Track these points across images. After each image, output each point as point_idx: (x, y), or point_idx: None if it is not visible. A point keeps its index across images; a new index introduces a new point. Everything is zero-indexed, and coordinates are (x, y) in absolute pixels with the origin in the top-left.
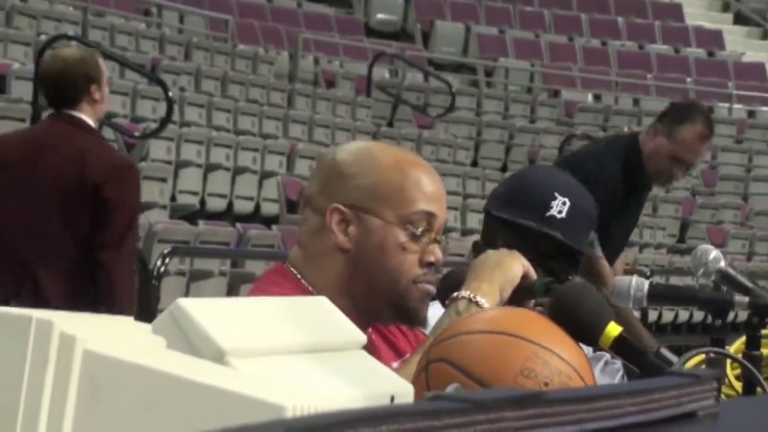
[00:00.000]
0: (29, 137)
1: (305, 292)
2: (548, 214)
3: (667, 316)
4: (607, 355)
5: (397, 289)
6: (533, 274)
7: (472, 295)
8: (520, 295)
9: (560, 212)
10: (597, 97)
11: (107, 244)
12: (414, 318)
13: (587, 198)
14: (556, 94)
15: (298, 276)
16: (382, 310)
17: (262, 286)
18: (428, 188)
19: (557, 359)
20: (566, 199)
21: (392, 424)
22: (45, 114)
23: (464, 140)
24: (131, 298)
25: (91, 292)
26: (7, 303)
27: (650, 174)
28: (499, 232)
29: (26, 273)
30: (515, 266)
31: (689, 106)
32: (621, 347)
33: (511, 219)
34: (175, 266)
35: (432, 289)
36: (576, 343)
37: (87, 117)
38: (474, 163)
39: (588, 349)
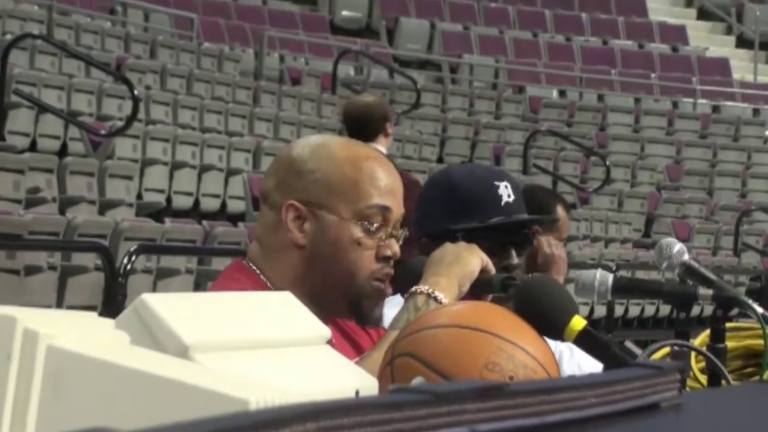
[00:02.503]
0: None
1: (264, 287)
2: (504, 202)
3: (634, 310)
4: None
5: (353, 284)
6: (491, 268)
7: (430, 290)
8: (478, 290)
9: (509, 195)
10: (562, 93)
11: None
12: (367, 316)
13: (503, 171)
14: (520, 90)
15: (257, 272)
16: (338, 305)
17: (223, 283)
18: (383, 182)
19: (522, 353)
20: (506, 183)
21: (354, 416)
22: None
23: (430, 136)
24: None
25: None
26: None
27: None
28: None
29: None
30: (473, 260)
31: None
32: (585, 340)
33: (478, 225)
34: (142, 264)
35: (387, 289)
36: (541, 336)
37: (382, 147)
38: (440, 160)
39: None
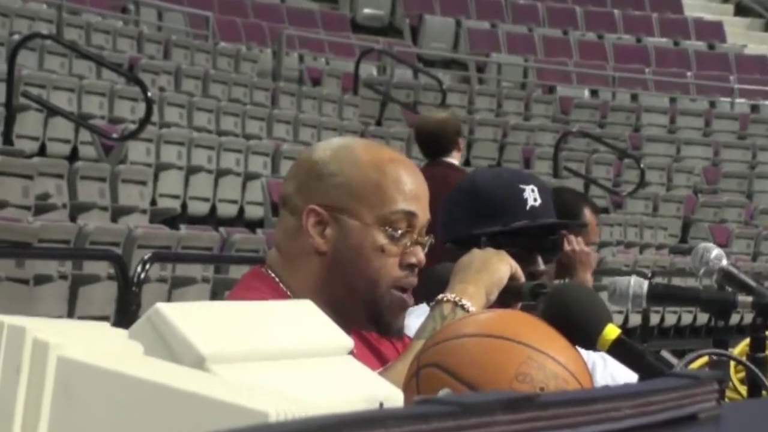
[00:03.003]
0: None
1: (283, 296)
2: (529, 206)
3: (670, 318)
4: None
5: (375, 293)
6: (521, 275)
7: (457, 298)
8: (506, 297)
9: (536, 199)
10: (594, 93)
11: None
12: (387, 328)
13: (531, 175)
14: (551, 90)
15: (276, 279)
16: (358, 315)
17: (240, 291)
18: (408, 186)
19: (553, 363)
20: (532, 186)
21: (378, 428)
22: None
23: None
24: None
25: None
26: None
27: None
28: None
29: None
30: (502, 267)
31: None
32: (619, 350)
33: (501, 229)
34: (156, 273)
35: (409, 300)
36: (572, 345)
37: (455, 161)
38: (466, 163)
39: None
